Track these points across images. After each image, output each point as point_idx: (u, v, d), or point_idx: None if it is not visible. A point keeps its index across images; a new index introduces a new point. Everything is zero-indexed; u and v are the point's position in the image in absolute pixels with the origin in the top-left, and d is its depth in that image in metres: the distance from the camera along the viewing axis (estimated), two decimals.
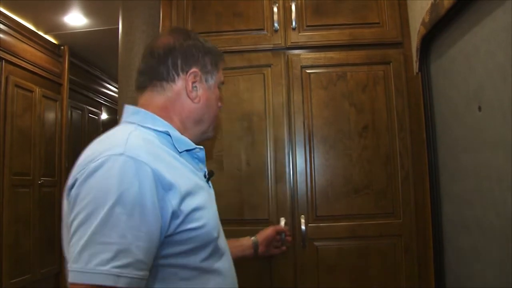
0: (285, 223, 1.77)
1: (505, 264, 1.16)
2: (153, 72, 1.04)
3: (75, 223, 0.79)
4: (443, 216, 1.68)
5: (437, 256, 1.69)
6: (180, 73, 1.05)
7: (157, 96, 1.04)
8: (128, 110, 1.05)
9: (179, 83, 1.05)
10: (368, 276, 1.82)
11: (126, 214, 0.78)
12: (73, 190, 0.83)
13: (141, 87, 1.06)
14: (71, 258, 0.77)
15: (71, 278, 0.76)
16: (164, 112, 1.03)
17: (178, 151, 1.01)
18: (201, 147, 1.07)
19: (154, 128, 0.99)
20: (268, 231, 1.57)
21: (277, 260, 2.16)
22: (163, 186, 0.85)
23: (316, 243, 1.85)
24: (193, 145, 1.04)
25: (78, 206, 0.80)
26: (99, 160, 0.82)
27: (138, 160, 0.83)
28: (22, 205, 4.02)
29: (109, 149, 0.84)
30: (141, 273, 0.79)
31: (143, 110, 1.02)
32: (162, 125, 1.01)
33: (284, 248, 1.62)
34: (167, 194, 0.85)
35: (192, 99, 1.06)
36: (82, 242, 0.76)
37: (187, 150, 1.03)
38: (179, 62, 1.04)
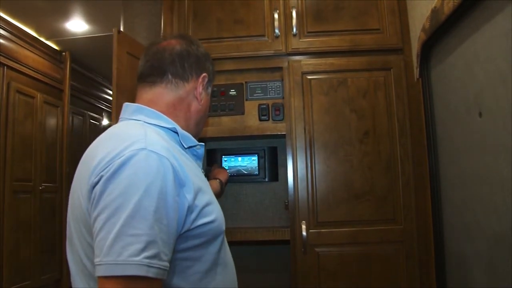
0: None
1: (506, 270, 1.15)
2: (170, 69, 1.07)
3: (102, 218, 0.79)
4: (444, 222, 1.68)
5: (439, 261, 1.69)
6: (194, 75, 1.10)
7: (169, 92, 1.07)
8: (130, 108, 1.06)
9: (191, 84, 1.09)
10: (369, 282, 1.82)
11: (154, 206, 0.80)
12: (98, 187, 0.82)
13: (151, 82, 1.07)
14: (100, 252, 0.77)
15: (103, 271, 0.76)
16: (172, 109, 1.06)
17: (184, 147, 1.04)
18: (202, 144, 1.11)
19: (160, 125, 1.01)
20: (225, 171, 2.01)
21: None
22: (179, 182, 0.87)
23: (317, 249, 1.85)
24: (196, 142, 1.08)
25: (103, 201, 0.81)
26: (124, 156, 0.83)
27: (160, 155, 0.85)
28: (23, 211, 4.02)
29: (131, 145, 0.85)
30: (165, 263, 0.80)
31: (146, 107, 1.04)
32: (168, 122, 1.03)
33: None
34: (182, 189, 0.88)
35: (199, 101, 1.11)
36: (112, 235, 0.77)
37: (190, 147, 1.06)
38: (193, 65, 1.10)
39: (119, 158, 0.83)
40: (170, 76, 1.07)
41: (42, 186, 4.31)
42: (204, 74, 1.12)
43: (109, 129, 1.01)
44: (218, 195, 1.89)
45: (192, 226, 0.90)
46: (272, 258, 2.17)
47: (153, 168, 0.83)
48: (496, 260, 1.23)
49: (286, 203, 2.04)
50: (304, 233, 1.82)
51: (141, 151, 0.84)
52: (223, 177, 1.95)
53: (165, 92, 1.06)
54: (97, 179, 0.83)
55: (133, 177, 0.81)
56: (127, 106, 1.07)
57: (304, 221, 1.85)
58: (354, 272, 1.83)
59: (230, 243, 2.01)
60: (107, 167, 0.83)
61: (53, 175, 4.52)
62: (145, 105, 1.05)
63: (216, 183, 1.88)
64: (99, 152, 0.88)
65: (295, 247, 1.84)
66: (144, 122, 1.00)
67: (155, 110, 1.03)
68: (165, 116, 1.03)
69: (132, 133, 0.91)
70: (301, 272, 1.84)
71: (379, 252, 1.84)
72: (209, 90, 1.17)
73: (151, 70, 1.08)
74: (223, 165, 2.15)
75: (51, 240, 4.40)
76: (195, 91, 1.10)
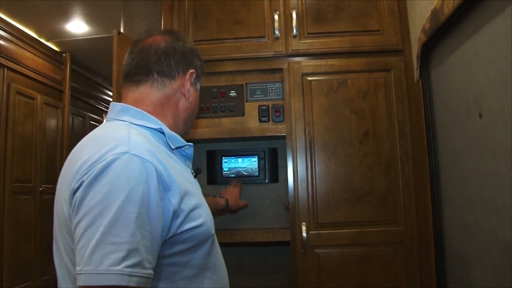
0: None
1: (506, 270, 1.15)
2: (155, 68, 1.04)
3: (82, 225, 0.77)
4: (445, 222, 1.68)
5: (439, 262, 1.69)
6: (181, 72, 1.08)
7: (155, 91, 1.04)
8: (116, 107, 1.03)
9: (178, 82, 1.07)
10: (369, 283, 1.81)
11: (135, 212, 0.77)
12: (79, 193, 0.80)
13: (137, 81, 1.05)
14: (81, 260, 0.75)
15: (83, 281, 0.73)
16: (159, 108, 1.04)
17: (171, 148, 1.02)
18: (191, 144, 1.08)
19: (146, 126, 0.99)
20: (235, 189, 1.99)
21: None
22: (164, 186, 0.85)
23: (317, 250, 1.84)
24: (184, 142, 1.05)
25: (84, 207, 0.78)
26: (106, 161, 0.80)
27: (143, 158, 0.83)
28: (23, 212, 4.02)
29: (113, 148, 0.83)
30: (148, 271, 0.78)
31: (132, 107, 1.01)
32: (155, 122, 1.01)
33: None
34: (167, 194, 0.85)
35: (186, 98, 1.09)
36: (92, 243, 0.74)
37: (177, 147, 1.04)
38: (180, 62, 1.07)
39: (101, 163, 0.80)
40: (156, 75, 1.04)
41: (42, 187, 4.31)
42: (191, 71, 1.10)
43: (94, 130, 0.99)
44: (220, 212, 1.88)
45: (179, 231, 0.87)
46: (272, 259, 2.17)
47: (135, 173, 0.80)
48: (496, 260, 1.23)
49: (286, 204, 2.04)
50: (304, 234, 1.82)
51: (123, 154, 0.81)
52: (229, 197, 1.92)
53: (152, 91, 1.04)
54: (78, 184, 0.81)
55: (114, 183, 0.78)
56: (113, 106, 1.04)
57: (304, 222, 1.85)
58: (354, 273, 1.82)
59: (230, 245, 2.01)
60: (88, 171, 0.81)
61: (53, 176, 4.52)
62: (131, 104, 1.02)
63: (221, 199, 1.88)
64: (82, 155, 0.85)
65: (295, 248, 1.84)
66: (130, 123, 0.97)
67: (141, 110, 1.01)
68: (151, 117, 1.01)
69: (115, 135, 0.89)
70: (301, 273, 1.83)
71: (379, 253, 1.84)
72: (198, 86, 1.15)
73: (137, 69, 1.05)
74: (223, 166, 2.15)
75: (51, 241, 4.36)
76: (183, 88, 1.08)
